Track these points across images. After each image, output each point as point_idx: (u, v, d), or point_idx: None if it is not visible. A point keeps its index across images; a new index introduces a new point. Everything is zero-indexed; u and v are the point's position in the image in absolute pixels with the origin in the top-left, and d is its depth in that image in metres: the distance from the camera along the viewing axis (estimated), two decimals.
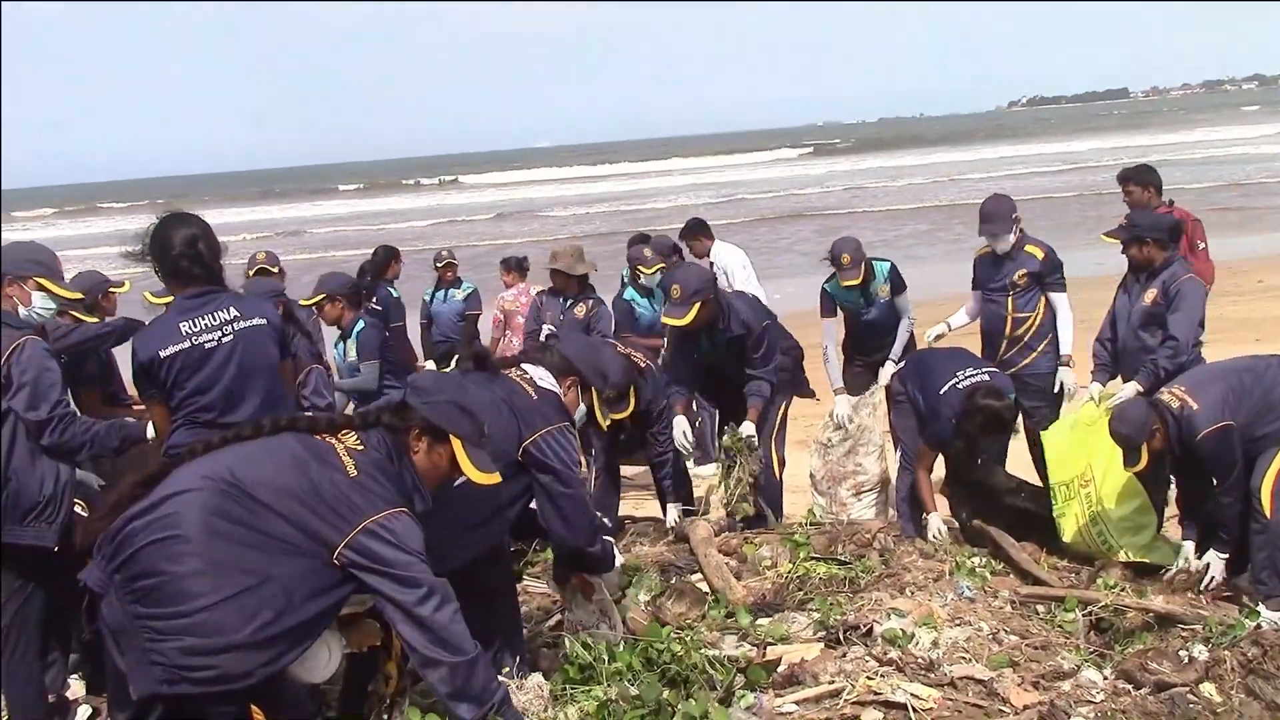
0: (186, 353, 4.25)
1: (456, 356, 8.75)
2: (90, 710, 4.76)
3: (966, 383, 6.04)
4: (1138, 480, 5.76)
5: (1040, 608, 4.96)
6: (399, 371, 7.37)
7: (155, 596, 2.99)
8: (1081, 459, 6.03)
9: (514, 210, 42.84)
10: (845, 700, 3.80)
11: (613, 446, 6.65)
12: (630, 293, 8.40)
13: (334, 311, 7.12)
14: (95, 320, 5.85)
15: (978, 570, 5.42)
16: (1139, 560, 5.74)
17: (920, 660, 4.14)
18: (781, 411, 6.69)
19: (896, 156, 59.03)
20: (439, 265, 9.92)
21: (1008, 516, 6.13)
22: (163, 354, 4.25)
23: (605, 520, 6.21)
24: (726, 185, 46.70)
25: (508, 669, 3.92)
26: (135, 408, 5.69)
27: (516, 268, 9.99)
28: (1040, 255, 6.86)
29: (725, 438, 6.34)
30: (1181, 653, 4.29)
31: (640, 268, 8.24)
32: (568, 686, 3.81)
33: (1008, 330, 6.86)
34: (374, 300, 8.68)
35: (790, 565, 5.32)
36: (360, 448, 3.32)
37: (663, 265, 8.10)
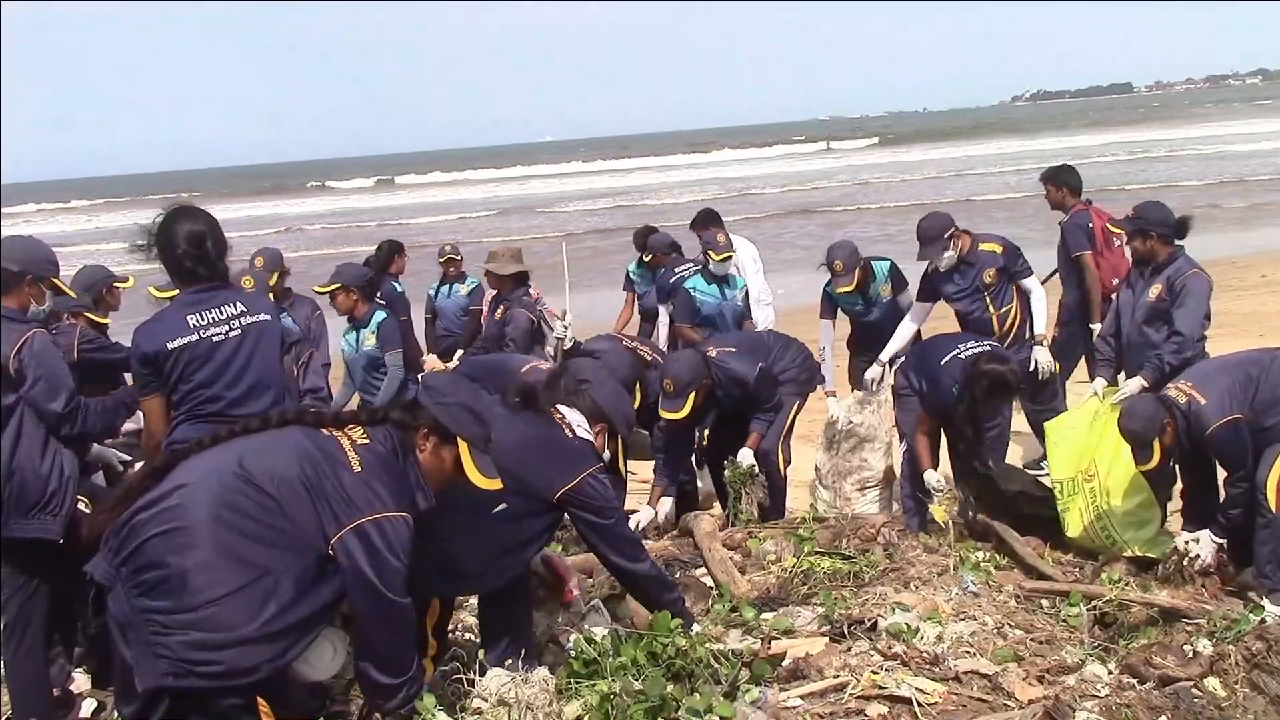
0: (194, 345, 4.27)
1: (459, 351, 8.78)
2: (95, 704, 4.77)
3: (969, 353, 6.13)
4: (1142, 475, 5.76)
5: (1045, 602, 4.94)
6: (406, 366, 7.39)
7: (161, 589, 3.00)
8: (1086, 454, 6.03)
9: (517, 206, 42.76)
10: (850, 694, 3.79)
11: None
12: (693, 280, 7.98)
13: (348, 302, 7.16)
14: (104, 320, 5.87)
15: (982, 565, 5.42)
16: (1143, 555, 5.73)
17: (925, 655, 4.13)
18: (791, 413, 6.70)
19: (904, 151, 58.86)
20: (442, 260, 9.93)
21: (1012, 511, 6.13)
22: (170, 346, 4.27)
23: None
24: (734, 180, 46.61)
25: (510, 661, 3.93)
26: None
27: None
28: (999, 249, 6.95)
29: (727, 472, 6.38)
30: (1186, 647, 4.28)
31: (711, 253, 7.90)
32: (573, 681, 3.81)
33: (998, 328, 6.90)
34: (379, 295, 8.69)
35: (794, 560, 5.32)
36: (366, 442, 3.34)
37: (731, 255, 7.97)
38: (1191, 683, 3.96)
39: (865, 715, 3.65)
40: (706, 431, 7.13)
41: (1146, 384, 6.00)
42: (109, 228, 38.86)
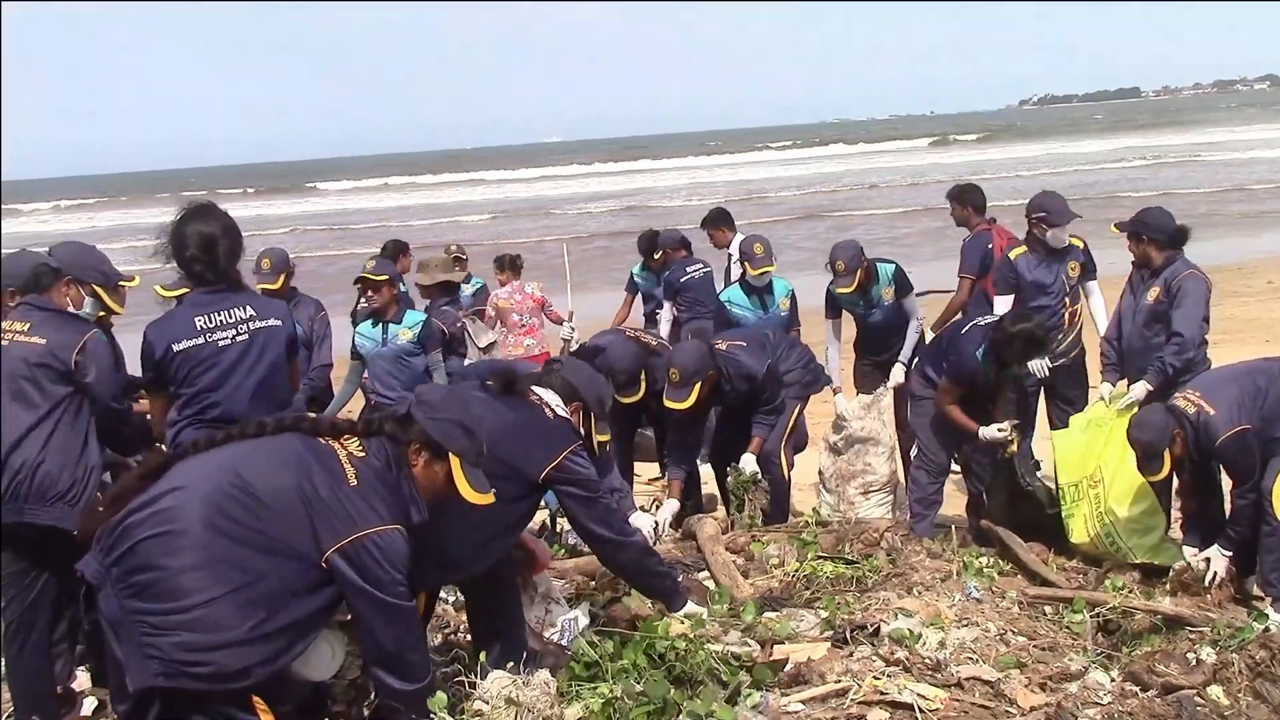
0: (199, 349, 4.25)
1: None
2: (96, 702, 4.77)
3: (987, 320, 6.24)
4: (1147, 482, 5.74)
5: (1048, 609, 4.94)
6: None
7: (151, 591, 3.01)
8: (1091, 460, 6.02)
9: (525, 207, 42.77)
10: (851, 700, 3.78)
11: (630, 444, 6.70)
12: (730, 292, 7.62)
13: (389, 296, 7.19)
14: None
15: (985, 571, 5.41)
16: (1147, 562, 5.72)
17: (927, 660, 4.12)
18: (794, 416, 6.69)
19: (910, 156, 58.82)
20: (449, 258, 9.92)
21: (1017, 517, 6.12)
22: (175, 348, 4.25)
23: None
24: (741, 182, 46.61)
25: (512, 664, 3.93)
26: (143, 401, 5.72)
27: (510, 266, 10.05)
28: (1080, 243, 6.95)
29: (729, 479, 6.39)
30: (1189, 655, 4.28)
31: (748, 265, 7.43)
32: (574, 684, 3.80)
33: (1067, 324, 6.90)
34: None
35: (797, 564, 5.32)
36: (361, 454, 3.35)
37: (769, 269, 7.41)
38: (1194, 691, 3.95)
39: None
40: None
41: (1151, 387, 5.99)
42: (109, 226, 38.94)
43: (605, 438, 5.33)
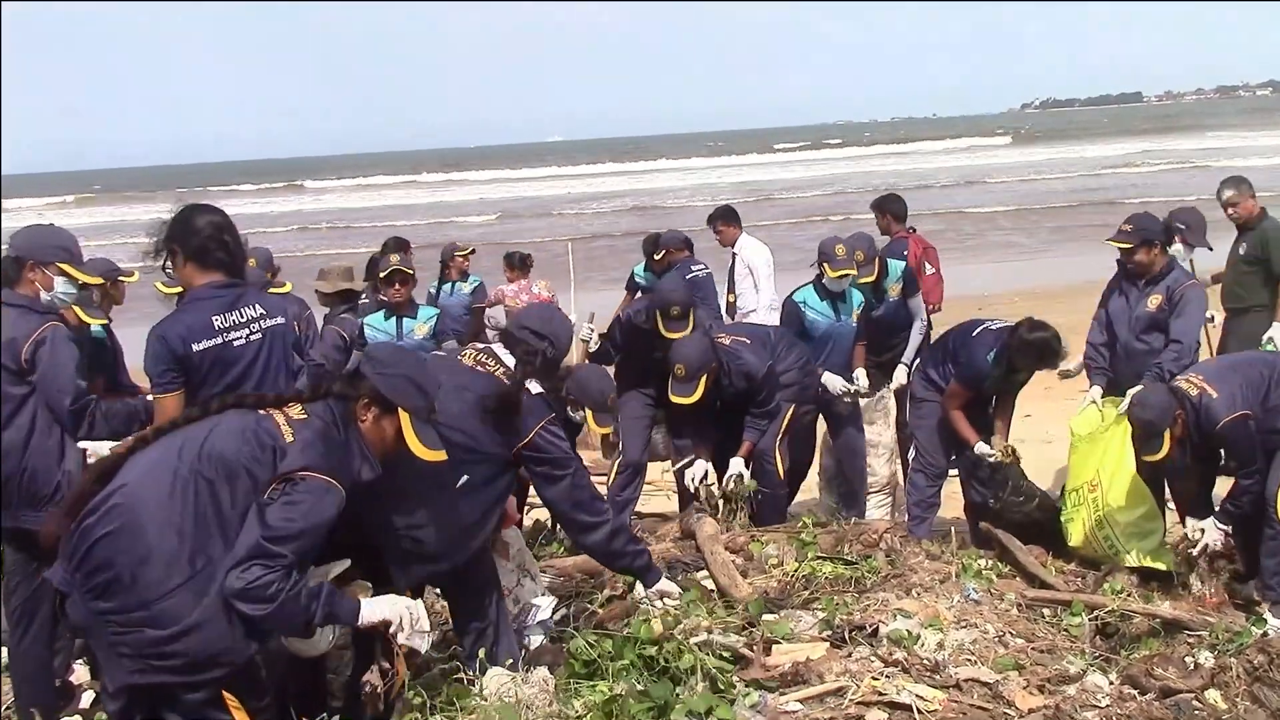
0: (219, 349, 4.14)
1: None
2: (95, 695, 4.78)
3: (998, 325, 6.25)
4: (1145, 486, 5.75)
5: (1046, 611, 4.94)
6: None
7: (113, 590, 3.03)
8: (1091, 465, 6.02)
9: (526, 207, 42.74)
10: (850, 700, 3.78)
11: (648, 442, 6.72)
12: (804, 293, 7.19)
13: (406, 291, 7.30)
14: (102, 321, 5.82)
15: (984, 573, 5.41)
16: (1146, 565, 5.72)
17: (925, 662, 4.13)
18: (787, 417, 6.69)
19: (916, 159, 58.76)
20: (457, 257, 9.92)
21: (1015, 520, 6.12)
22: (196, 348, 4.10)
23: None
24: (746, 183, 46.60)
25: (511, 661, 3.93)
26: (141, 394, 5.68)
27: (519, 264, 10.06)
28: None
29: (727, 485, 6.37)
30: (1188, 659, 4.28)
31: (826, 266, 6.99)
32: (573, 681, 3.80)
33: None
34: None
35: (796, 564, 5.32)
36: (303, 417, 3.34)
37: (850, 272, 6.96)
38: (1192, 694, 3.96)
39: None
40: None
41: None
42: (107, 223, 38.87)
43: (607, 430, 5.33)
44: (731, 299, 9.25)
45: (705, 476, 6.37)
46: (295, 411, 3.36)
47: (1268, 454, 5.26)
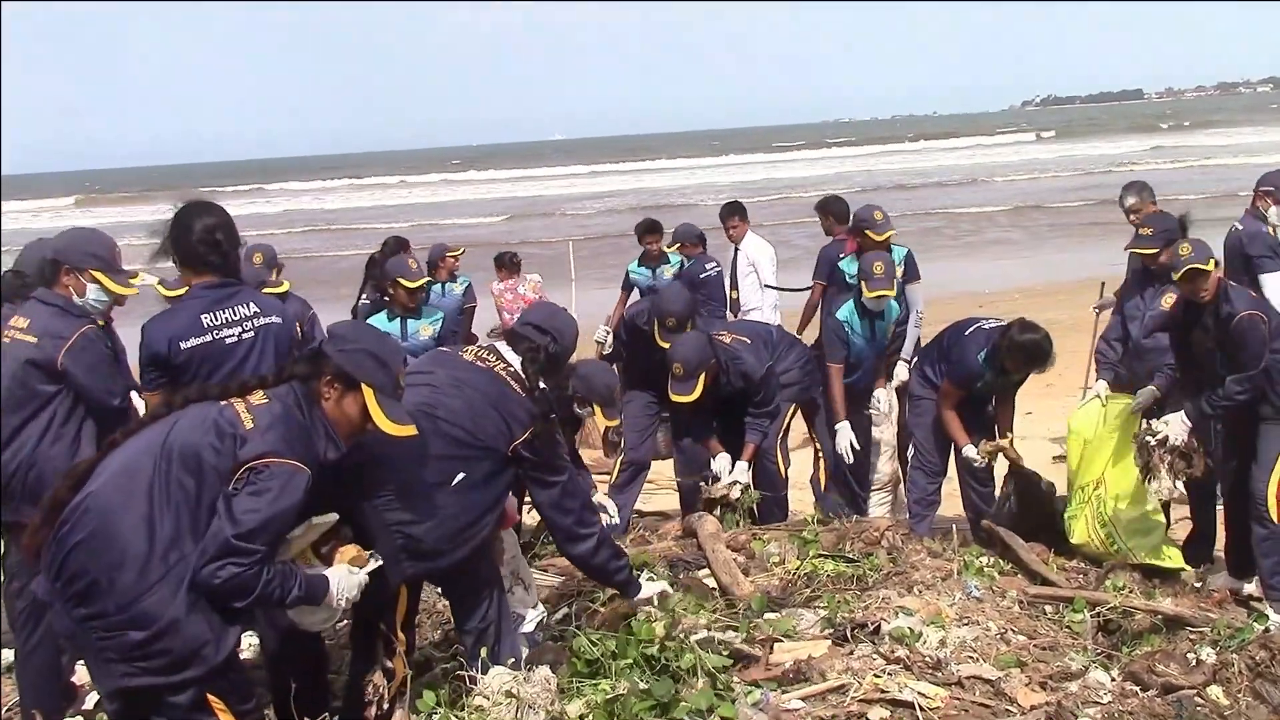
0: (207, 346, 4.14)
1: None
2: (98, 696, 4.78)
3: (992, 325, 6.24)
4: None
5: (1048, 608, 4.95)
6: None
7: (92, 596, 3.03)
8: (1098, 464, 6.00)
9: (529, 207, 42.66)
10: (852, 697, 3.80)
11: (651, 439, 6.72)
12: (846, 311, 6.88)
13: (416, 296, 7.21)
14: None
15: (986, 570, 5.42)
16: (1148, 562, 5.72)
17: (928, 659, 4.13)
18: (788, 416, 6.70)
19: (917, 157, 58.70)
20: (448, 257, 9.91)
21: (1017, 516, 6.12)
22: (184, 345, 4.12)
23: (611, 513, 6.24)
24: (750, 182, 46.57)
25: (513, 661, 3.93)
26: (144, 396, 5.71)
27: (508, 264, 10.23)
28: None
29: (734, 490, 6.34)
30: (1189, 655, 4.29)
31: (865, 285, 6.74)
32: (575, 680, 3.81)
33: None
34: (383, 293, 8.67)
35: (798, 562, 5.32)
36: (264, 402, 3.29)
37: (888, 293, 6.76)
38: (1194, 691, 3.96)
39: (867, 718, 3.65)
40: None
41: (1159, 393, 5.96)
42: (110, 224, 38.71)
43: (615, 423, 5.34)
44: (734, 295, 9.25)
45: (728, 470, 6.34)
46: (256, 398, 3.31)
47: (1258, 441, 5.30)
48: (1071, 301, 11.77)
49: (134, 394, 4.93)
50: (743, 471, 6.30)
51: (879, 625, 4.41)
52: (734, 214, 9.46)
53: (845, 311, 6.84)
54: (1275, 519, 5.19)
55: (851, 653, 4.22)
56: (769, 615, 4.63)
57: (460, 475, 3.84)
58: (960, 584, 5.04)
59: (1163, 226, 6.17)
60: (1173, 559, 5.76)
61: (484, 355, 4.18)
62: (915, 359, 6.90)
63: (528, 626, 4.45)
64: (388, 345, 3.59)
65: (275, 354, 4.30)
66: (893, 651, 4.18)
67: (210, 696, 3.11)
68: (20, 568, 4.49)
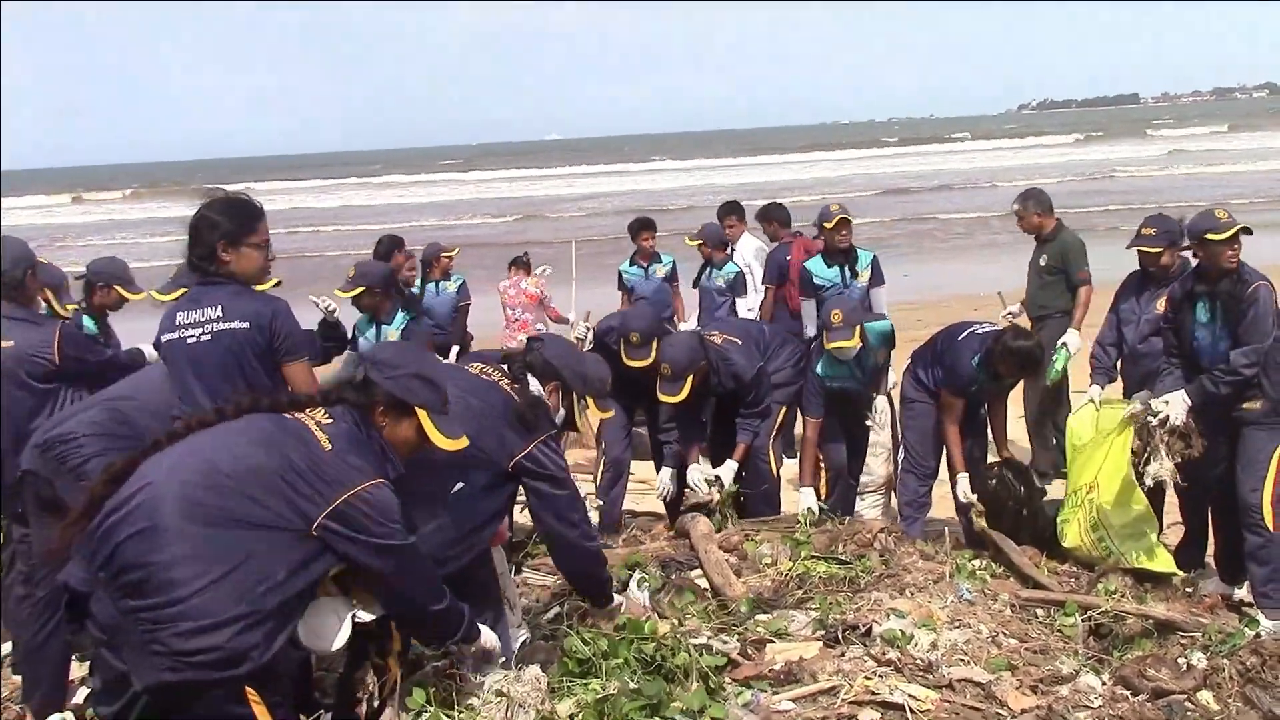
0: (177, 344, 4.16)
1: (455, 348, 8.77)
2: (89, 691, 4.76)
3: (985, 329, 6.25)
4: (1140, 489, 5.74)
5: (1040, 612, 4.95)
6: None
7: (144, 588, 3.00)
8: (1092, 468, 6.00)
9: (529, 206, 42.60)
10: (842, 699, 3.80)
11: (629, 438, 6.70)
12: (821, 364, 6.68)
13: (372, 302, 7.12)
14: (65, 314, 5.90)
15: (978, 573, 5.42)
16: (1140, 566, 5.73)
17: (918, 661, 4.14)
18: (782, 414, 6.70)
19: (916, 160, 58.69)
20: (442, 257, 9.91)
21: (1009, 520, 6.12)
22: (163, 339, 4.20)
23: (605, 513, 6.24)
24: (749, 184, 46.59)
25: (504, 660, 3.93)
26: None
27: (521, 264, 10.34)
28: None
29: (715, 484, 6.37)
30: (1180, 660, 4.29)
31: (825, 335, 6.56)
32: (565, 680, 3.81)
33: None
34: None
35: (790, 563, 5.32)
36: (329, 420, 3.34)
37: (848, 344, 6.43)
38: (1185, 696, 3.97)
39: None
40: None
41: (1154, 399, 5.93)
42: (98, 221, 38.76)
43: (609, 414, 5.37)
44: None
45: (702, 480, 6.38)
46: (320, 415, 3.36)
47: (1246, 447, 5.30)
48: None
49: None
50: (728, 471, 6.32)
51: (870, 627, 4.41)
52: (731, 213, 9.53)
53: (821, 366, 6.68)
54: (1271, 528, 5.18)
55: (843, 654, 4.23)
56: (760, 616, 4.63)
57: (459, 485, 3.85)
58: (952, 587, 5.04)
59: (1165, 227, 6.15)
60: (1164, 563, 5.75)
61: (487, 370, 4.22)
62: (908, 363, 6.90)
63: (511, 649, 4.43)
64: (430, 363, 3.63)
65: (237, 357, 4.20)
66: (884, 653, 4.18)
67: (249, 689, 3.10)
68: (27, 557, 4.48)
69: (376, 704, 3.72)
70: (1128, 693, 4.05)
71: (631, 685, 3.65)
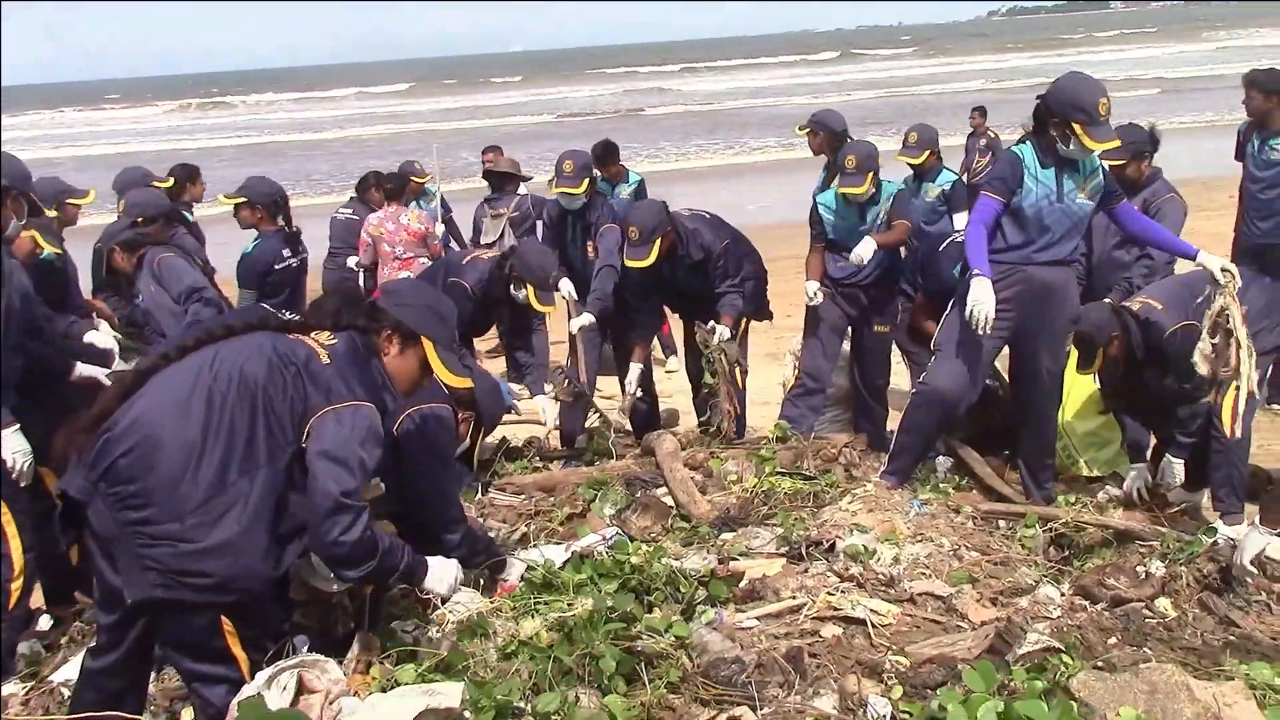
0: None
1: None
2: (51, 620, 4.75)
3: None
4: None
5: (1001, 524, 4.98)
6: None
7: (143, 502, 3.00)
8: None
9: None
10: (805, 616, 3.82)
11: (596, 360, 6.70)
12: (826, 194, 6.60)
13: (251, 218, 6.91)
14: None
15: (940, 485, 5.45)
16: (1102, 474, 5.77)
17: (881, 576, 4.17)
18: (741, 328, 6.60)
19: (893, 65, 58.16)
20: (413, 180, 9.73)
21: (974, 429, 6.13)
22: None
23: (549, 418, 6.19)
24: (719, 92, 46.18)
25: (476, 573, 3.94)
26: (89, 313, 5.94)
27: (377, 186, 9.23)
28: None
29: (698, 337, 6.23)
30: (1139, 569, 4.33)
31: (839, 177, 6.43)
32: (531, 598, 3.80)
33: None
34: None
35: (755, 480, 5.33)
36: (333, 342, 3.32)
37: (854, 190, 6.28)
38: (1143, 604, 4.01)
39: (820, 636, 3.67)
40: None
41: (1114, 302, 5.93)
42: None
43: (549, 308, 5.37)
44: None
45: (634, 383, 6.46)
46: (324, 337, 3.33)
47: None
48: None
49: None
50: (724, 333, 6.08)
51: (834, 543, 4.43)
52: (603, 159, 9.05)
53: (825, 195, 6.57)
54: (1228, 433, 5.22)
55: (806, 570, 4.25)
56: (725, 535, 4.64)
57: None
58: (910, 493, 5.07)
59: (1132, 138, 6.07)
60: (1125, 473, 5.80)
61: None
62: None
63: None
64: (445, 303, 3.62)
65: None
66: (847, 569, 4.21)
67: (224, 619, 3.09)
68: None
69: (352, 625, 3.74)
70: (1086, 602, 4.09)
71: (608, 602, 3.62)
